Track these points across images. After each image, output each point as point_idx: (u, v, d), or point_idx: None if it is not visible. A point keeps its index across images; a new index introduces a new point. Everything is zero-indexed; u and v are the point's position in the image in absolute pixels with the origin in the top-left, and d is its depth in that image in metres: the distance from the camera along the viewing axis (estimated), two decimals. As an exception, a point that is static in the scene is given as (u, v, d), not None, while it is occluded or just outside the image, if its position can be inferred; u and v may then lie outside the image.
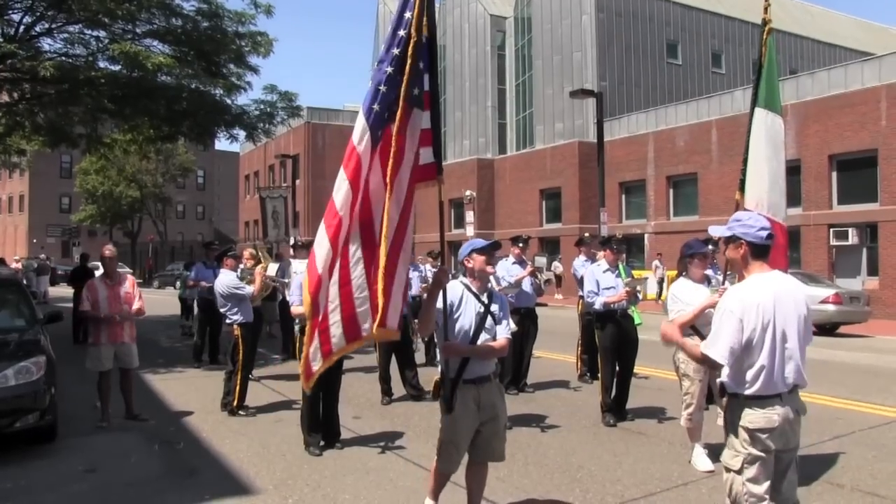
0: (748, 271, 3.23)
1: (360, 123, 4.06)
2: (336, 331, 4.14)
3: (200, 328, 11.11)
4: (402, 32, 4.00)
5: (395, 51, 4.00)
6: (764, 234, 3.18)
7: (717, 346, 3.12)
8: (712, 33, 34.10)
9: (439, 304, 3.95)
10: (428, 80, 4.09)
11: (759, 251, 3.20)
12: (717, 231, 3.36)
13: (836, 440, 6.27)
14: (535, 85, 33.67)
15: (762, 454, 3.10)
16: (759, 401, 3.11)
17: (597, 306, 6.94)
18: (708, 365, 3.32)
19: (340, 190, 4.06)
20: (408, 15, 4.00)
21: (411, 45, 3.94)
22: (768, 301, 3.10)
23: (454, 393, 3.95)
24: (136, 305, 7.25)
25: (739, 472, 3.14)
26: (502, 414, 4.17)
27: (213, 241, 13.15)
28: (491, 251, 4.18)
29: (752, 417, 3.11)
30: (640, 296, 7.12)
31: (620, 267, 7.15)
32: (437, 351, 4.29)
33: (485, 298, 4.10)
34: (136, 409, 7.35)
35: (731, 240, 3.26)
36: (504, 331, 4.12)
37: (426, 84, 4.07)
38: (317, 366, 4.24)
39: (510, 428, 6.67)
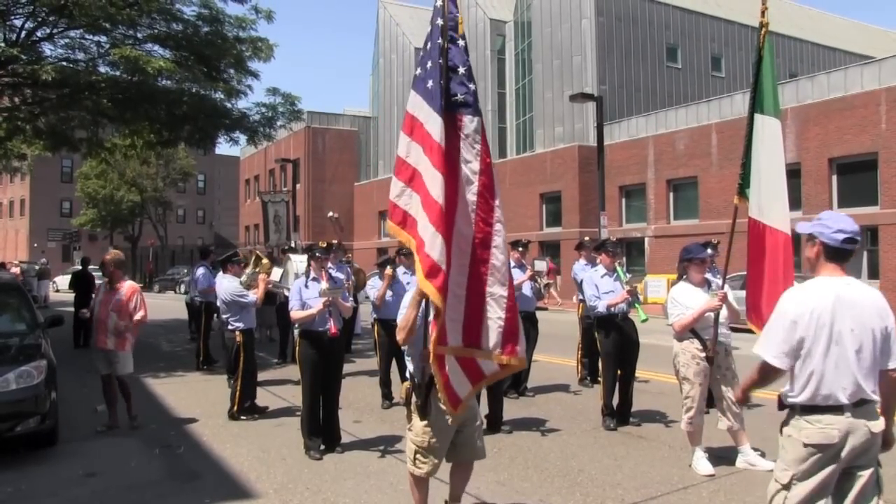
0: (817, 272, 3.07)
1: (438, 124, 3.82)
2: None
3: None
4: (439, 41, 3.88)
5: (440, 60, 3.86)
6: (840, 236, 2.99)
7: (768, 346, 3.01)
8: (712, 37, 34.14)
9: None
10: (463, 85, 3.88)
11: (833, 253, 3.03)
12: (802, 227, 3.21)
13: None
14: (535, 89, 33.69)
15: (818, 472, 2.89)
16: (816, 412, 2.91)
17: (600, 309, 6.94)
18: (766, 373, 3.07)
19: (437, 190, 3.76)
20: (440, 22, 3.89)
21: (444, 50, 3.85)
22: (826, 304, 2.94)
23: (429, 398, 3.98)
24: (137, 316, 7.01)
25: (787, 487, 2.95)
26: (479, 413, 4.36)
27: (209, 246, 13.02)
28: None
29: (808, 431, 2.91)
30: (642, 298, 7.11)
31: (619, 269, 7.15)
32: (407, 359, 4.21)
33: None
34: (132, 412, 7.15)
35: (810, 237, 3.11)
36: None
37: (470, 87, 3.88)
38: (464, 392, 3.92)
39: (510, 432, 6.72)
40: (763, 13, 5.14)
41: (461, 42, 3.90)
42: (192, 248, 47.07)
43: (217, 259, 9.44)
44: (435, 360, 3.79)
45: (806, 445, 2.91)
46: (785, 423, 3.07)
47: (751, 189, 5.27)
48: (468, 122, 3.86)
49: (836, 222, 3.04)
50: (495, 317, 3.84)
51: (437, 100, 3.83)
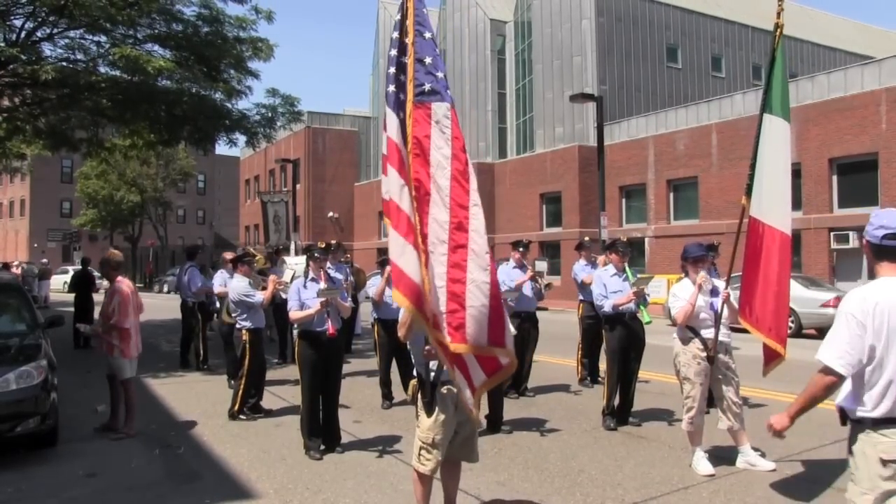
0: (875, 273, 2.87)
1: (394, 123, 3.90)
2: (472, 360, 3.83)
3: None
4: (395, 35, 4.00)
5: (393, 52, 3.98)
6: (880, 233, 2.80)
7: (832, 351, 2.73)
8: (712, 37, 34.15)
9: None
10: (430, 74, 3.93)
11: (877, 251, 2.82)
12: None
13: (838, 444, 6.25)
14: (536, 89, 33.70)
15: None
16: (891, 425, 2.65)
17: (606, 309, 6.94)
18: (827, 382, 2.76)
19: (399, 192, 3.81)
20: (398, 17, 4.01)
21: (409, 44, 3.90)
22: (894, 304, 2.71)
23: (434, 395, 4.00)
24: (112, 320, 6.76)
25: None
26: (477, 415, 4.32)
27: (197, 246, 12.96)
28: None
29: (886, 446, 2.64)
30: (649, 299, 7.12)
31: (627, 270, 7.15)
32: (412, 356, 4.24)
33: None
34: (129, 422, 6.91)
35: (862, 237, 2.98)
36: None
37: (438, 76, 3.89)
38: (470, 401, 3.86)
39: (510, 432, 6.72)
40: (779, 14, 5.13)
41: (427, 35, 3.95)
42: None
43: (226, 259, 9.46)
44: (447, 361, 3.75)
45: (885, 462, 2.65)
46: (852, 440, 2.78)
47: (754, 188, 5.25)
48: (436, 109, 3.87)
49: (880, 219, 2.85)
50: (479, 304, 3.72)
51: (390, 95, 3.92)
